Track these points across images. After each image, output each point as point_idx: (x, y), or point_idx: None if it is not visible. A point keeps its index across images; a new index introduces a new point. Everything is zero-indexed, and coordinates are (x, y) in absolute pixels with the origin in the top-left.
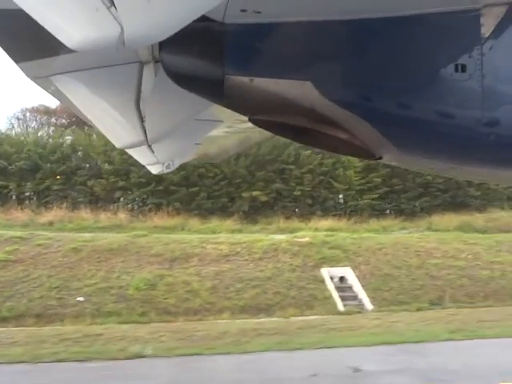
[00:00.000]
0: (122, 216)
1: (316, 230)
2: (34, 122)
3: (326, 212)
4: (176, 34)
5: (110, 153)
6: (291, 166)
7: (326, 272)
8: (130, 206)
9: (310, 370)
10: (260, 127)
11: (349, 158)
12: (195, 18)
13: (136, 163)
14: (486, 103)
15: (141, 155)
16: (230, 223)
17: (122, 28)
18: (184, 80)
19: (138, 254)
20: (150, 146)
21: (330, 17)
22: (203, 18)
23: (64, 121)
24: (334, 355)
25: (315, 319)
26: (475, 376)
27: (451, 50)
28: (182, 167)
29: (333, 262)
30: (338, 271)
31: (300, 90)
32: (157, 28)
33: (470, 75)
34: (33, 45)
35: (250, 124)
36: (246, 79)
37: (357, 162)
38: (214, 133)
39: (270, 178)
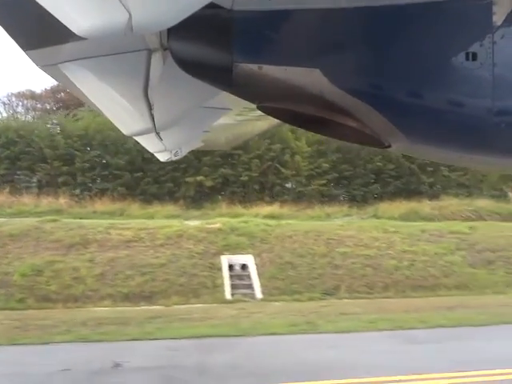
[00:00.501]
0: (63, 201)
1: (256, 215)
2: (20, 107)
3: (275, 198)
4: (184, 21)
5: (54, 137)
6: (239, 151)
7: (225, 259)
8: (73, 191)
9: (68, 365)
10: (268, 115)
11: (297, 143)
12: (203, 4)
13: (81, 148)
14: (497, 92)
15: (149, 143)
16: (169, 209)
17: (130, 14)
18: (192, 67)
19: (37, 239)
20: (158, 134)
21: (339, 4)
22: (212, 5)
23: (48, 106)
24: (122, 348)
25: (187, 308)
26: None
27: (462, 38)
28: (126, 151)
29: (237, 249)
30: (240, 259)
31: (309, 78)
32: (165, 14)
33: (480, 64)
34: (41, 32)
35: (258, 112)
36: (254, 67)
37: (305, 148)
38: (222, 120)
39: (216, 163)
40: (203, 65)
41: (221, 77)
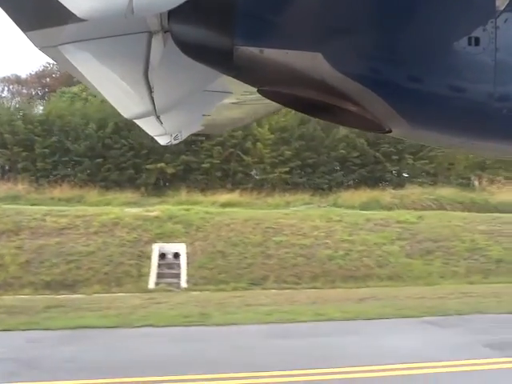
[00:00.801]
0: (21, 187)
1: (214, 203)
2: (6, 92)
3: (237, 185)
4: (185, 3)
5: (14, 123)
6: (201, 138)
7: (156, 248)
8: (33, 177)
9: None
10: (269, 99)
11: (260, 130)
12: None
13: (41, 133)
14: (499, 77)
15: (149, 126)
16: (128, 196)
17: None
18: (193, 50)
19: None
20: (158, 117)
21: None
22: None
23: (34, 91)
24: None
25: (105, 297)
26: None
27: (465, 23)
28: (86, 137)
29: (172, 237)
30: (172, 247)
31: (310, 62)
32: None
33: (483, 48)
34: (40, 14)
35: (258, 96)
36: (255, 50)
37: (268, 135)
38: (223, 104)
39: (178, 149)
40: (204, 47)
41: (221, 60)
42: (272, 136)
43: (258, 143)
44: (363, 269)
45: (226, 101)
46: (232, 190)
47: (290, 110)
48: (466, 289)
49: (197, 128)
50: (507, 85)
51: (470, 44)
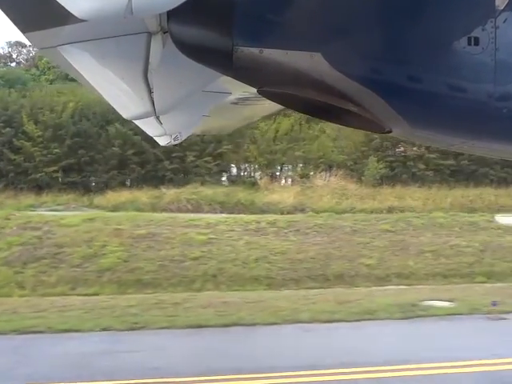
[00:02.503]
0: None
1: None
2: None
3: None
4: (184, 4)
5: None
6: None
7: None
8: None
9: None
10: (268, 99)
11: (30, 127)
12: None
13: None
14: (499, 77)
15: (149, 126)
16: None
17: None
18: (192, 51)
19: None
20: (157, 118)
21: None
22: None
23: None
24: None
25: None
26: None
27: (465, 23)
28: None
29: None
30: None
31: (310, 62)
32: None
33: (482, 48)
34: (40, 14)
35: (258, 96)
36: (255, 50)
37: (37, 132)
38: (222, 105)
39: None
40: (203, 48)
41: (221, 60)
42: (42, 133)
43: (26, 142)
44: None
45: (226, 101)
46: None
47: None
48: None
49: (197, 128)
50: (507, 84)
51: (469, 44)
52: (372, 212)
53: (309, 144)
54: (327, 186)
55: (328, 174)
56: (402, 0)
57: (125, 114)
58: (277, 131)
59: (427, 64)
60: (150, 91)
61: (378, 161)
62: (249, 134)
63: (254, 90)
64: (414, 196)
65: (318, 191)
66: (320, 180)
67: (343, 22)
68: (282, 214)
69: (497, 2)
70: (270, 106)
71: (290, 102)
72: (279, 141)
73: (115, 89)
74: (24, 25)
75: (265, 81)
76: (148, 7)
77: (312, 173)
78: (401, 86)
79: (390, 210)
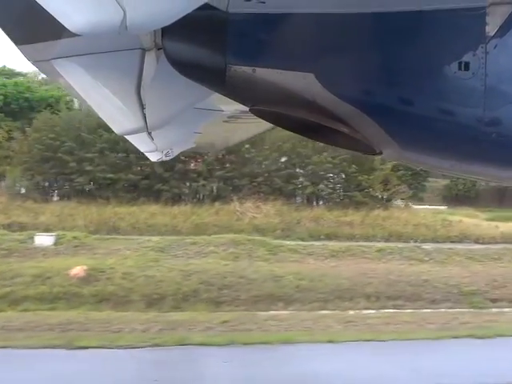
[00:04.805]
0: None
1: None
2: None
3: None
4: (179, 21)
5: None
6: None
7: None
8: None
9: None
10: (260, 118)
11: None
12: (198, 5)
13: None
14: (489, 102)
15: (140, 142)
16: None
17: (124, 13)
18: (186, 68)
19: None
20: (149, 133)
21: (333, 10)
22: (207, 6)
23: None
24: None
25: None
26: None
27: (455, 48)
28: None
29: None
30: None
31: (302, 82)
32: (159, 14)
33: (473, 73)
34: (34, 28)
35: (250, 114)
36: (248, 69)
37: None
38: (214, 122)
39: None
40: (197, 66)
41: (214, 78)
42: None
43: None
44: None
45: (218, 119)
46: None
47: None
48: None
49: (188, 145)
50: (496, 109)
51: (460, 69)
52: None
53: None
54: None
55: None
56: (395, 24)
57: (117, 129)
58: None
59: (418, 87)
60: (143, 107)
61: None
62: None
63: (246, 109)
64: None
65: None
66: None
67: (336, 44)
68: None
69: (487, 29)
70: (262, 125)
71: (281, 121)
72: None
73: (108, 103)
74: (18, 37)
75: (257, 99)
76: (142, 24)
77: None
78: (392, 108)
79: None
